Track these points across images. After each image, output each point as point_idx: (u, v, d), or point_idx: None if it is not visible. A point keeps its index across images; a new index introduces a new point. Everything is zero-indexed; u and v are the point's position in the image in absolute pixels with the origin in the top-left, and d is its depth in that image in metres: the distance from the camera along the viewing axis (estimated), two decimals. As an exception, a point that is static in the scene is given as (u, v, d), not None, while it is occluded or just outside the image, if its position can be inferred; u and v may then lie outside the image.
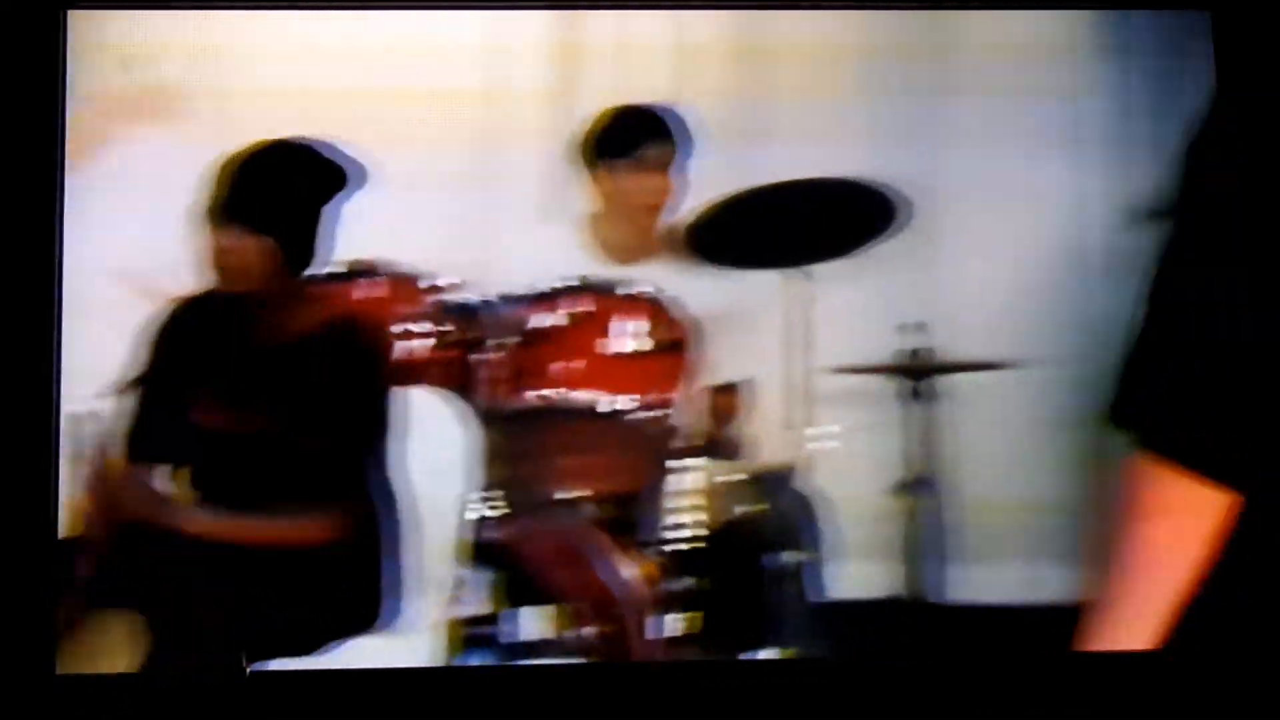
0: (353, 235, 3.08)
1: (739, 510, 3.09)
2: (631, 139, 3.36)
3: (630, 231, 3.32)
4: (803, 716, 2.81)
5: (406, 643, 3.01)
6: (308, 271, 3.03)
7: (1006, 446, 3.20)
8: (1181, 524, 2.12)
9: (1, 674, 3.24)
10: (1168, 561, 2.10)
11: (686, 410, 3.14)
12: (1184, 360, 2.12)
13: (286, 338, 2.99)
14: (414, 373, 3.14)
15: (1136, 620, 2.11)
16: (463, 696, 3.10)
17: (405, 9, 3.81)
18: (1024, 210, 3.33)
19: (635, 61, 3.60)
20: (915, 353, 3.08)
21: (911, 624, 3.08)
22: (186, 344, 3.28)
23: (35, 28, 3.51)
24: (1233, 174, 2.23)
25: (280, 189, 2.99)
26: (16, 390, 3.33)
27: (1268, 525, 2.26)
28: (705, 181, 3.24)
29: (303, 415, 2.95)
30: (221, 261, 3.16)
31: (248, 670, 2.93)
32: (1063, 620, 2.09)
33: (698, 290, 3.19)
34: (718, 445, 3.18)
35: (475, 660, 3.07)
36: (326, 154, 3.02)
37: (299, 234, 2.97)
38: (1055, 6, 3.60)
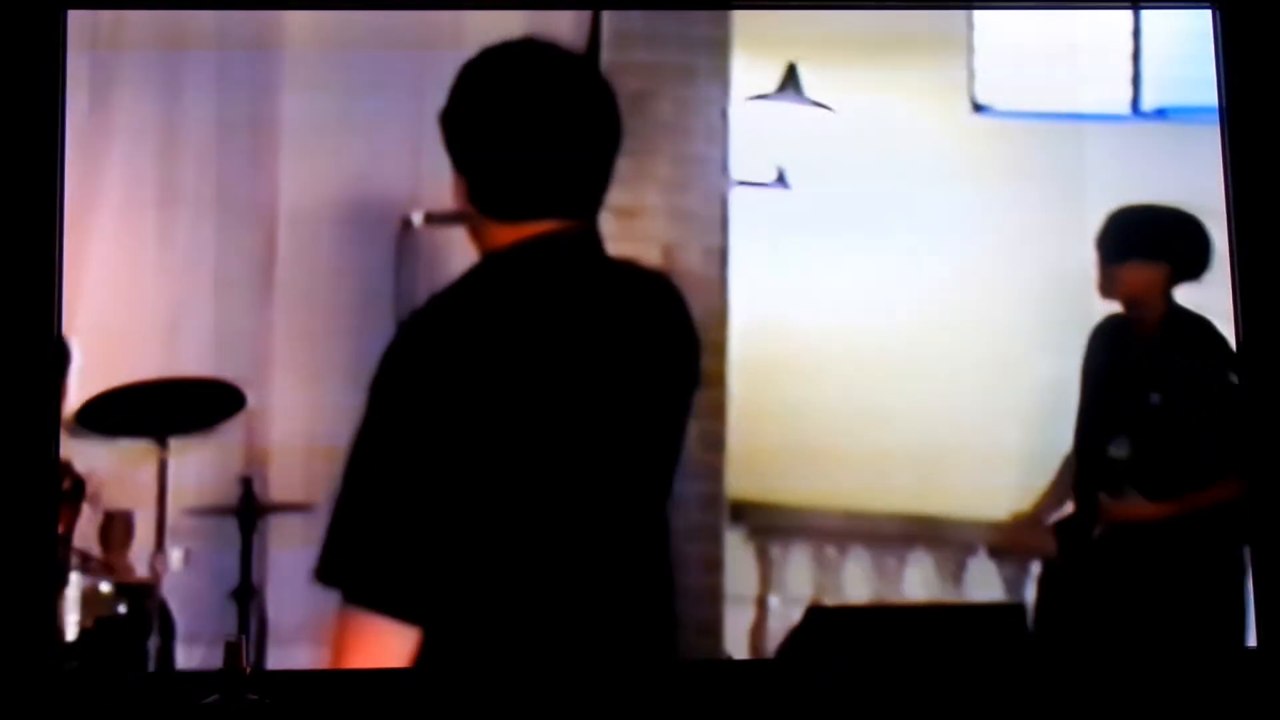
0: None
1: (119, 609, 4.31)
2: None
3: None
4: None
5: None
6: None
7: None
8: (371, 654, 2.68)
9: (1, 673, 3.36)
10: None
11: (81, 536, 4.32)
12: (368, 519, 2.72)
13: None
14: None
15: None
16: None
17: (404, 8, 4.34)
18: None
19: None
20: (246, 493, 4.38)
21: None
22: None
23: (35, 28, 3.55)
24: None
25: None
26: (16, 391, 3.49)
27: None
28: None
29: None
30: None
31: (248, 670, 3.12)
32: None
33: (89, 453, 4.39)
34: (106, 563, 4.35)
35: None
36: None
37: None
38: (1058, 6, 4.41)
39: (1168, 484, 4.12)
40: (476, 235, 2.72)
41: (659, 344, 2.62)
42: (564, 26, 4.50)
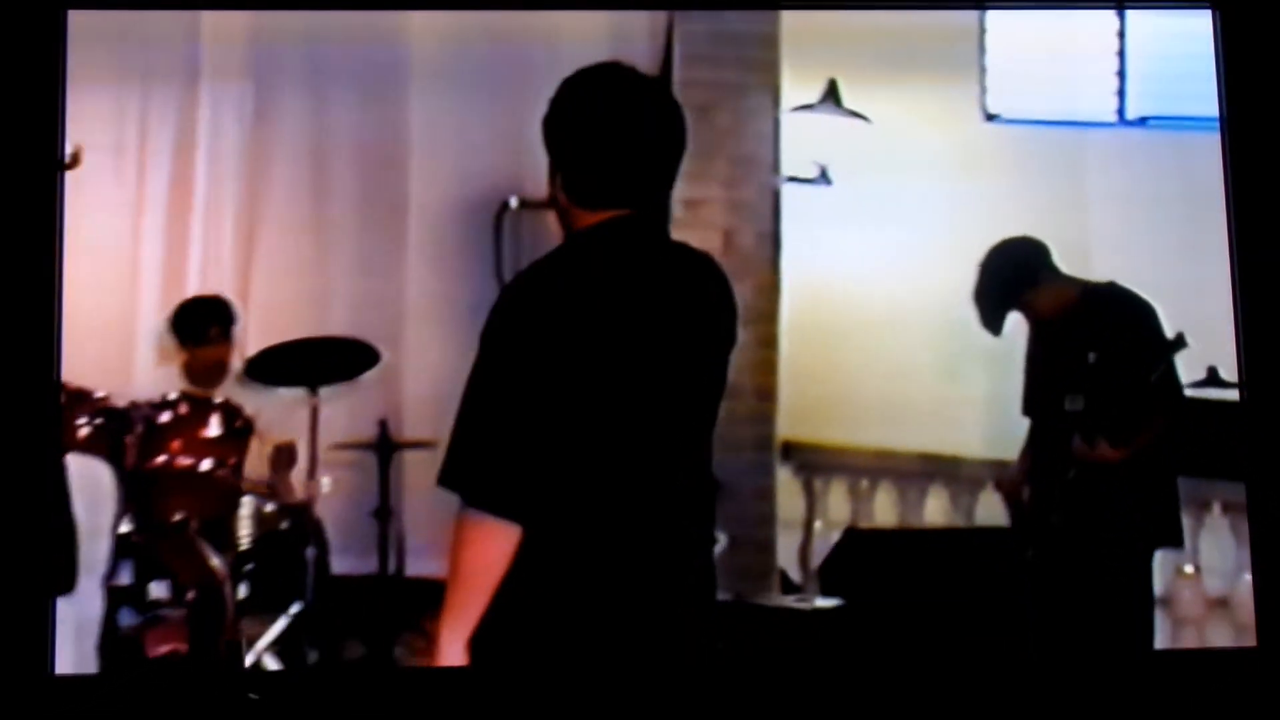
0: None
1: (282, 525, 5.31)
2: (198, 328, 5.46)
3: (208, 372, 5.49)
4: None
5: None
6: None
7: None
8: (481, 552, 2.90)
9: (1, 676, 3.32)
10: (479, 580, 2.91)
11: (251, 466, 5.33)
12: (481, 436, 2.93)
13: None
14: (82, 446, 5.16)
15: (459, 626, 2.91)
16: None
17: (403, 9, 4.93)
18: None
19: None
20: (383, 431, 5.36)
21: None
22: None
23: (35, 28, 3.53)
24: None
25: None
26: (15, 392, 3.45)
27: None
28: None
29: None
30: None
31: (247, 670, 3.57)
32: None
33: (254, 399, 5.41)
34: (273, 486, 5.37)
35: (122, 615, 5.05)
36: None
37: None
38: (1058, 6, 4.95)
39: (1121, 429, 4.79)
40: (564, 219, 3.17)
41: (705, 302, 3.17)
42: (641, 46, 5.46)
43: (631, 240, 3.12)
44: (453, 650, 2.93)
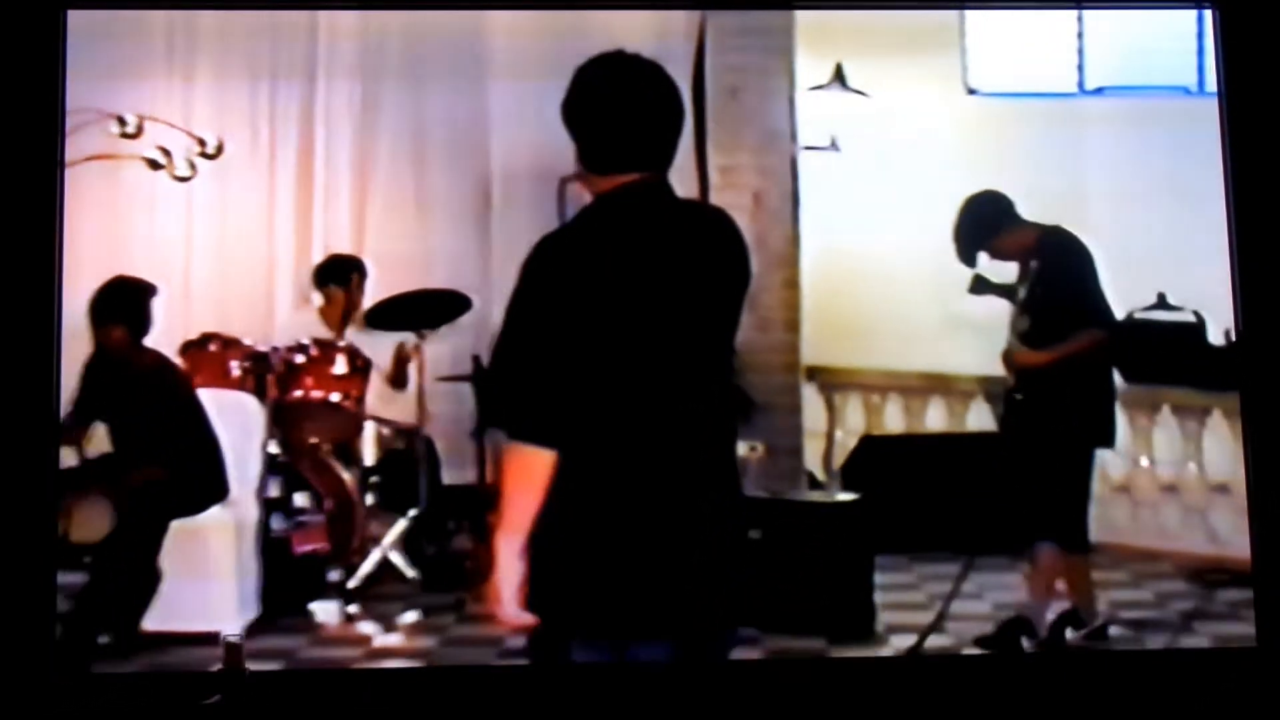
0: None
1: (399, 444, 6.44)
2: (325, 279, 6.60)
3: (338, 316, 6.63)
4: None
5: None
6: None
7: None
8: (523, 475, 3.17)
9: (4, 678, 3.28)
10: (524, 498, 3.18)
11: (370, 397, 6.44)
12: (514, 374, 3.19)
13: None
14: (234, 384, 6.28)
15: (513, 536, 3.22)
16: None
17: (401, 8, 5.45)
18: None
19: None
20: (477, 366, 6.45)
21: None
22: None
23: (35, 28, 3.50)
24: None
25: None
26: (14, 394, 3.47)
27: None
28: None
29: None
30: None
31: (246, 670, 3.37)
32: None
33: (369, 341, 6.47)
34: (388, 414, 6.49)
35: (273, 521, 6.14)
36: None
37: None
38: (1061, 6, 5.80)
39: (1033, 336, 5.53)
40: (587, 186, 3.45)
41: (709, 248, 3.41)
42: (680, 39, 6.54)
43: (640, 198, 3.37)
44: (509, 555, 3.26)
